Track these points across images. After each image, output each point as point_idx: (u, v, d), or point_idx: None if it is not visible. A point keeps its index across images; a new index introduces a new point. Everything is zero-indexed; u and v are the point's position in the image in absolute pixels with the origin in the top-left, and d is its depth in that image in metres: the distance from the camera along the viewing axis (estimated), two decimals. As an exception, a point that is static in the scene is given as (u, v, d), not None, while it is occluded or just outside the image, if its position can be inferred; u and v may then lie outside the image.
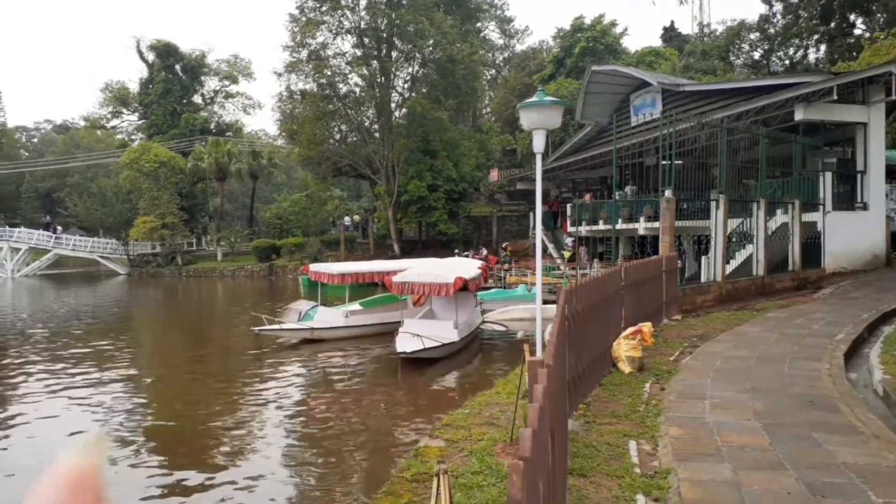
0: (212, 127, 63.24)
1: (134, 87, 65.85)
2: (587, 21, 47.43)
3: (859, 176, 19.44)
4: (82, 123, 77.23)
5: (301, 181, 62.21)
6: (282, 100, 44.75)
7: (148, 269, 52.33)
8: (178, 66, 62.70)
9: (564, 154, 34.68)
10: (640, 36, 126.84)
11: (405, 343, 14.28)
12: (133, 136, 69.08)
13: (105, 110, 69.36)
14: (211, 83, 67.05)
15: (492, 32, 63.04)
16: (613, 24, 47.96)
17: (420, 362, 14.18)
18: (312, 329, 17.71)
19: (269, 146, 61.61)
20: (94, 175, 66.67)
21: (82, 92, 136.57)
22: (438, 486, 3.80)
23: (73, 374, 14.40)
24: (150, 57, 62.22)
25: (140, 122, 66.92)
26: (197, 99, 66.14)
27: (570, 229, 29.66)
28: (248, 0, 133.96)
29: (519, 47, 64.03)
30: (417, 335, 14.36)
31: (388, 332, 17.12)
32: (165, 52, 61.35)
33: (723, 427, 5.95)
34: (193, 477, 8.16)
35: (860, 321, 11.44)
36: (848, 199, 19.35)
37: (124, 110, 68.76)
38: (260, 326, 17.72)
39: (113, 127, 71.81)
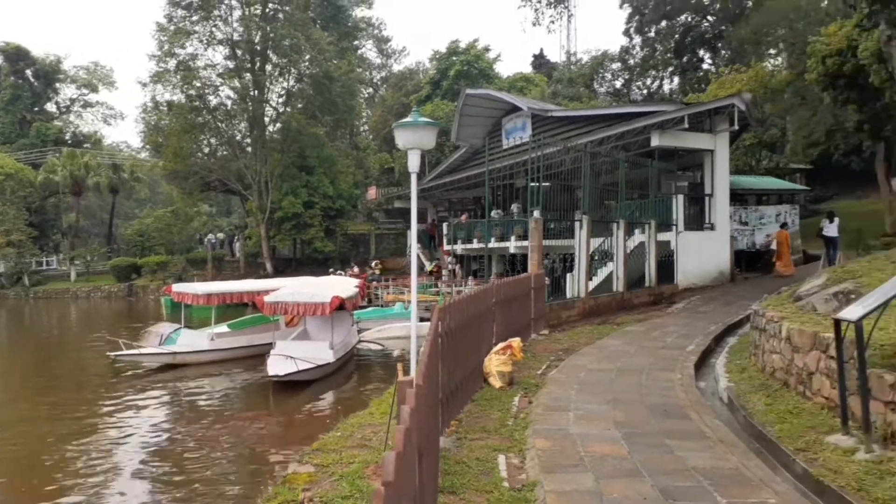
0: (67, 137, 58.85)
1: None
2: (462, 45, 48.72)
3: (707, 199, 21.12)
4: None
5: (166, 196, 59.14)
6: (146, 110, 42.54)
7: (-12, 290, 47.54)
8: (29, 72, 58.00)
9: (441, 174, 35.25)
10: (512, 62, 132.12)
11: (278, 365, 13.84)
12: (-26, 146, 62.91)
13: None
14: (67, 91, 62.74)
15: (369, 51, 63.36)
16: (487, 49, 49.61)
17: (294, 385, 13.78)
18: (175, 353, 16.76)
19: (131, 159, 58.09)
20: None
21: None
22: (304, 513, 3.69)
23: None
24: (-3, 60, 57.23)
25: (-17, 130, 61.14)
26: (51, 107, 61.46)
27: (447, 247, 30.14)
28: (111, 7, 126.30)
29: (396, 67, 64.73)
30: (291, 357, 13.96)
31: (258, 355, 16.50)
32: (15, 56, 56.58)
33: (586, 438, 6.21)
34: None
35: (708, 333, 12.37)
36: (697, 220, 20.95)
37: (-36, 117, 62.56)
38: (117, 351, 16.55)
39: (-51, 135, 65.09)
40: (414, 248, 9.42)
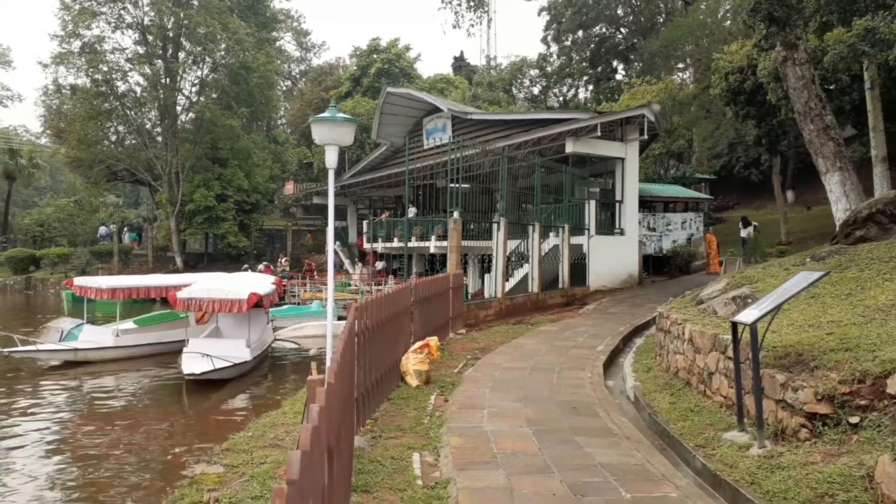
0: (-44, 118, 54.84)
1: None
2: (383, 43, 48.49)
3: (618, 205, 21.91)
4: None
5: (69, 185, 55.92)
6: (48, 94, 40.09)
7: None
8: (-88, 45, 53.62)
9: (361, 171, 34.98)
10: (433, 63, 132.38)
11: (193, 364, 13.37)
12: None
13: None
14: (-43, 69, 58.15)
15: (288, 44, 62.01)
16: (408, 48, 49.54)
17: (209, 384, 13.35)
18: (76, 350, 15.90)
19: (30, 144, 54.62)
20: None
21: None
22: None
23: None
24: None
25: None
26: (-62, 85, 57.01)
27: (366, 246, 30.02)
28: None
29: (316, 61, 63.64)
30: (207, 355, 13.52)
31: (167, 353, 15.94)
32: None
33: (499, 435, 6.32)
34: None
35: (617, 334, 12.84)
36: (608, 225, 21.71)
37: None
38: (11, 348, 15.54)
39: None
40: (331, 246, 9.29)
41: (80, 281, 17.62)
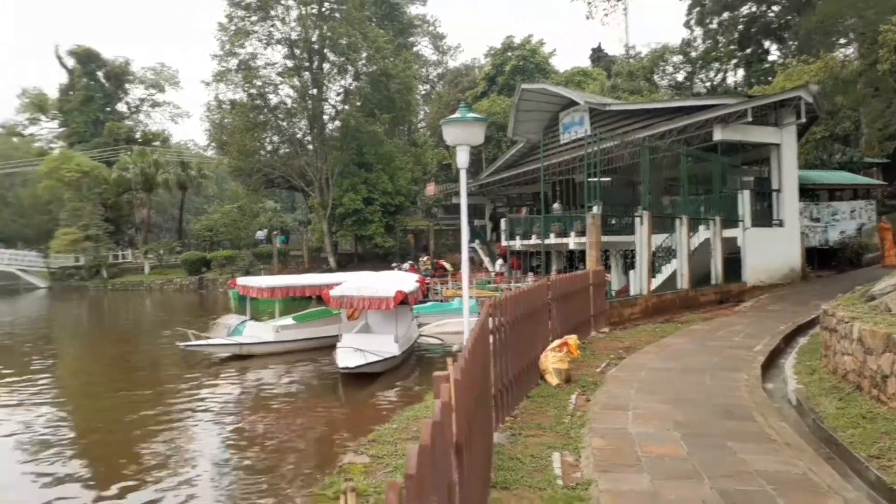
0: (137, 136, 61.37)
1: (53, 93, 63.32)
2: (517, 40, 48.33)
3: (775, 194, 20.37)
4: (-1, 130, 73.60)
5: (232, 192, 60.91)
6: (210, 109, 44.00)
7: (70, 282, 50.05)
8: (100, 73, 60.72)
9: (498, 170, 35.11)
10: (570, 56, 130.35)
11: (347, 358, 14.05)
12: (52, 144, 66.25)
13: (22, 117, 66.57)
14: (136, 91, 65.26)
15: (425, 48, 63.55)
16: (542, 43, 49.03)
17: (362, 377, 13.96)
18: (241, 344, 17.25)
19: (198, 156, 60.11)
20: (11, 184, 63.45)
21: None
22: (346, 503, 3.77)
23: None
24: (71, 63, 59.97)
25: (60, 129, 64.25)
26: (121, 107, 64.20)
27: (504, 243, 30.13)
28: (175, 9, 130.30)
29: (452, 64, 64.71)
30: (359, 350, 14.17)
31: (321, 348, 16.84)
32: (86, 58, 59.29)
33: (644, 438, 6.07)
34: (118, 500, 7.81)
35: (777, 333, 11.92)
36: (765, 216, 20.23)
37: (42, 117, 66.08)
38: (185, 342, 17.15)
39: (31, 134, 68.82)
40: (465, 244, 9.33)
41: (242, 281, 19.12)
